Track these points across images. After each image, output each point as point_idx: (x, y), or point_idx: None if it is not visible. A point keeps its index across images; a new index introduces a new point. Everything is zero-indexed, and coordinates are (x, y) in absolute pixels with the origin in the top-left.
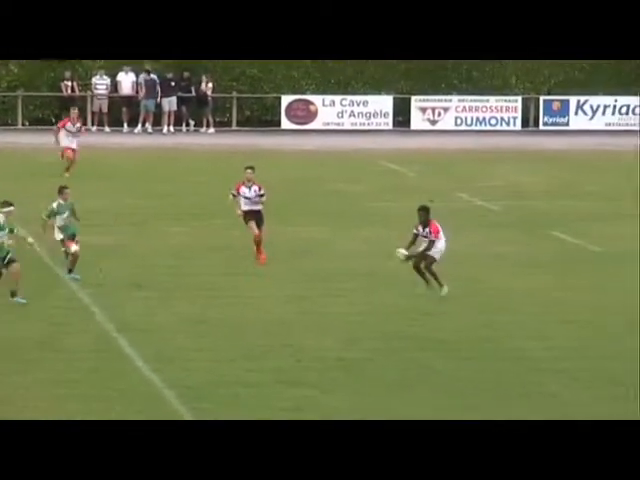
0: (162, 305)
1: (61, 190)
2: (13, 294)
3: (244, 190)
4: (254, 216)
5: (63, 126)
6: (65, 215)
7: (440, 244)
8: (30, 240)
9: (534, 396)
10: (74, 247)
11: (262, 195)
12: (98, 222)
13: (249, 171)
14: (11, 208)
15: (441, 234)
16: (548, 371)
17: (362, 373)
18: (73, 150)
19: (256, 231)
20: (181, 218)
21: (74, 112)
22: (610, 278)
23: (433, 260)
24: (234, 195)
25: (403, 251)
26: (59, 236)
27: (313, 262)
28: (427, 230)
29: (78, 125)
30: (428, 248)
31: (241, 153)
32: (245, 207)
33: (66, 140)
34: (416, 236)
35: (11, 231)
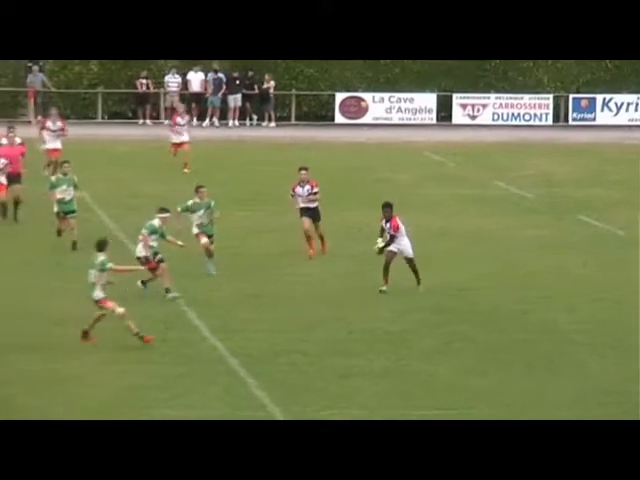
0: (226, 282)
1: (197, 189)
2: (167, 290)
3: (299, 190)
4: (308, 213)
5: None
6: (200, 213)
7: (404, 241)
8: (180, 243)
9: (563, 365)
10: (204, 239)
11: (315, 193)
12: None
13: (303, 172)
14: (167, 214)
15: (402, 230)
16: (578, 344)
17: (407, 343)
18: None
19: (306, 225)
20: (243, 203)
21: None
22: (634, 259)
23: (410, 258)
24: (292, 195)
25: (380, 241)
26: (195, 230)
27: (363, 243)
28: (388, 225)
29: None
30: (389, 243)
31: (299, 145)
32: (301, 204)
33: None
34: (383, 229)
35: (162, 236)
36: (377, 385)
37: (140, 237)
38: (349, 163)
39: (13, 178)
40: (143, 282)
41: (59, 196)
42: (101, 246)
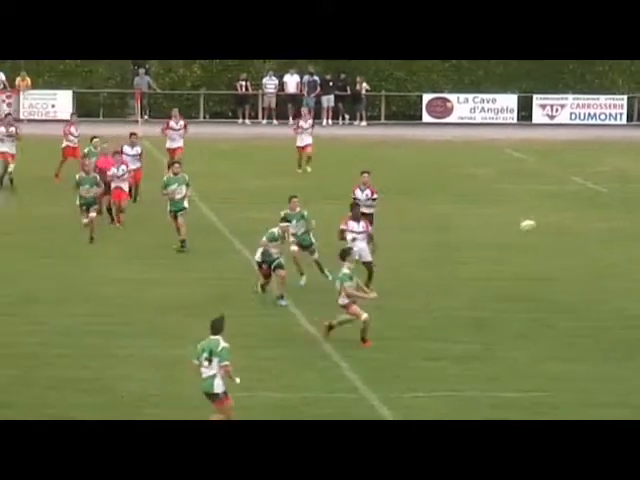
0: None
1: (290, 199)
2: (279, 297)
3: (358, 193)
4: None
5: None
6: (294, 223)
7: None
8: (293, 248)
9: (639, 351)
10: (293, 247)
11: (374, 199)
12: (265, 200)
13: (365, 175)
14: (287, 224)
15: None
16: None
17: (488, 329)
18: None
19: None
20: (332, 197)
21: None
22: None
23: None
24: (354, 198)
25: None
26: (293, 247)
27: (446, 234)
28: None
29: (181, 123)
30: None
31: (388, 143)
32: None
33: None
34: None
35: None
36: (462, 368)
37: (260, 243)
38: (435, 159)
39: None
40: (262, 287)
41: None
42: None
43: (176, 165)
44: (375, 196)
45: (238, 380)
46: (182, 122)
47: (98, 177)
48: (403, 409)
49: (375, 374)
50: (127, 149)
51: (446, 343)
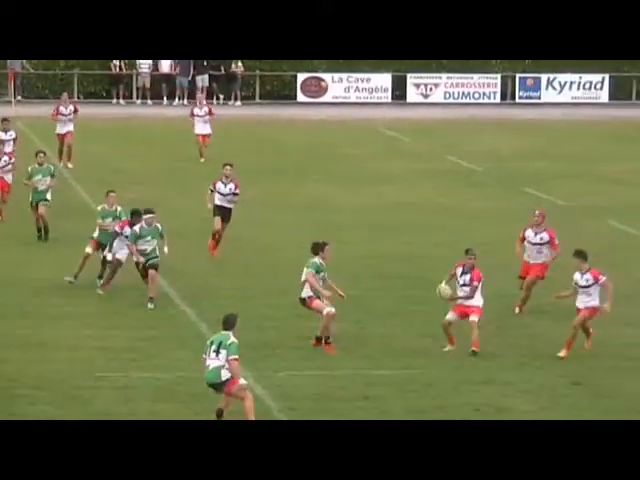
0: (197, 250)
1: (107, 193)
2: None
3: (220, 186)
4: (222, 212)
5: (192, 114)
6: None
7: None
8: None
9: (508, 327)
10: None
11: (236, 194)
12: (138, 180)
13: (228, 167)
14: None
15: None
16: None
17: (362, 307)
18: (208, 136)
19: (218, 227)
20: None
21: (200, 97)
22: (573, 226)
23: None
24: (212, 190)
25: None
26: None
27: (324, 214)
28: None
29: (206, 109)
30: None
31: (264, 122)
32: (217, 202)
33: (200, 128)
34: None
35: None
36: (337, 346)
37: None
38: (309, 139)
39: None
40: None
41: (35, 185)
42: None
43: (40, 155)
44: (237, 191)
45: (244, 381)
46: (72, 107)
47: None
48: (276, 387)
49: (249, 353)
50: (1, 134)
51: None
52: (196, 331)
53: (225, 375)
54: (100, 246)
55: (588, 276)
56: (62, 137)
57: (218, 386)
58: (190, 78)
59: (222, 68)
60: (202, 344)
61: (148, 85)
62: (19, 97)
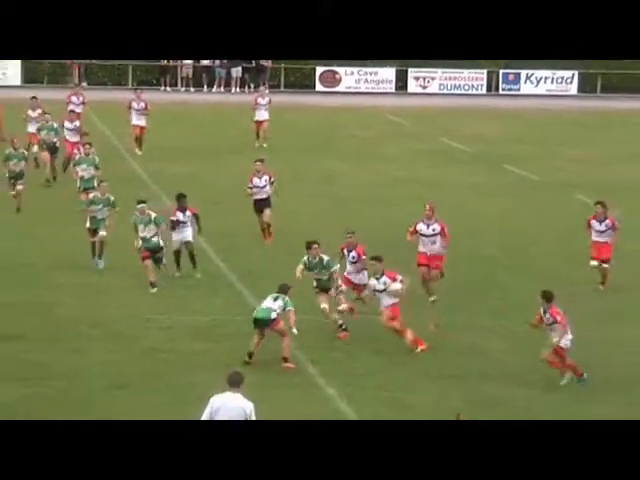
0: (230, 216)
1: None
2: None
3: (256, 180)
4: (262, 204)
5: (256, 103)
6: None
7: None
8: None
9: (485, 286)
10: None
11: (272, 183)
12: (180, 155)
13: (258, 163)
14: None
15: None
16: (501, 267)
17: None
18: (266, 121)
19: (265, 219)
20: (240, 151)
21: (262, 88)
22: (547, 199)
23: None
24: (250, 188)
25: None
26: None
27: (335, 186)
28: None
29: (267, 99)
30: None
31: (287, 108)
32: (256, 197)
33: (260, 115)
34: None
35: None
36: None
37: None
38: (326, 123)
39: None
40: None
41: (81, 174)
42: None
43: (87, 147)
44: (273, 179)
45: (295, 331)
46: (143, 103)
47: (26, 152)
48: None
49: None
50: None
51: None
52: (228, 281)
53: (274, 315)
54: (94, 232)
55: (548, 315)
56: (135, 128)
57: (266, 322)
58: (226, 69)
59: (253, 61)
60: (232, 293)
61: (191, 75)
62: (84, 84)
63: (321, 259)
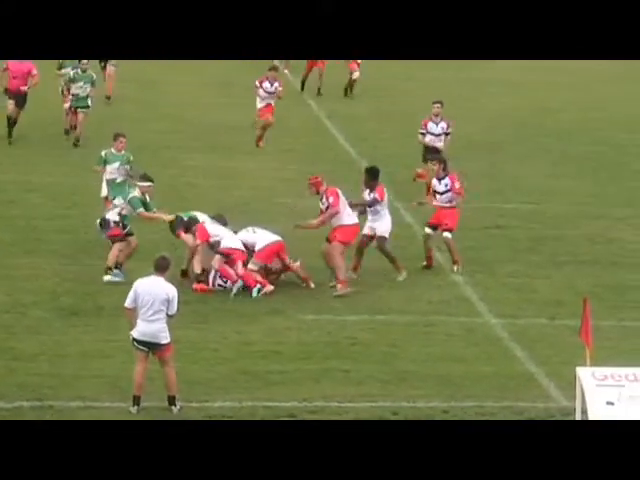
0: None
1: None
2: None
3: (431, 126)
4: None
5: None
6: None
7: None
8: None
9: (623, 172)
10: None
11: (447, 133)
12: None
13: (437, 105)
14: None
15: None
16: (634, 155)
17: (498, 150)
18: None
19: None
20: None
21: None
22: None
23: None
24: (422, 134)
25: None
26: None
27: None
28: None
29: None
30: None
31: None
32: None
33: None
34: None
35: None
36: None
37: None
38: None
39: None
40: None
41: (74, 92)
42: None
43: (84, 61)
44: (450, 130)
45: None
46: (276, 83)
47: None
48: None
49: (398, 186)
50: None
51: (462, 161)
52: (358, 167)
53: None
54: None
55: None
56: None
57: None
58: None
59: None
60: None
61: None
62: None
63: None
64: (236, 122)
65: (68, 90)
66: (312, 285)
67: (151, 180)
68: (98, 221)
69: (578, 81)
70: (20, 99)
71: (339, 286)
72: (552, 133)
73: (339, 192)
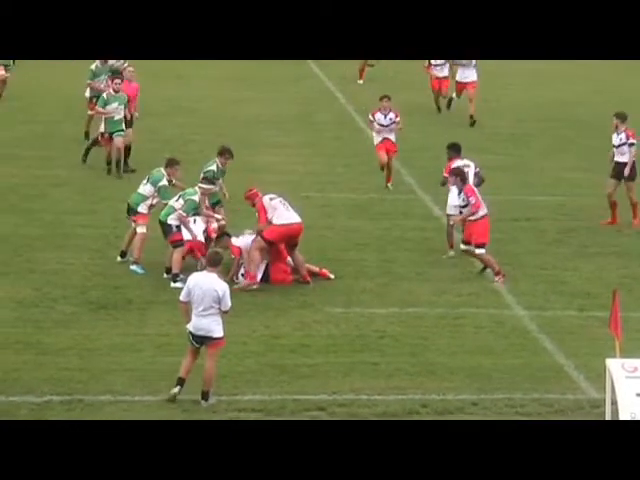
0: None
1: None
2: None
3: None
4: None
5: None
6: None
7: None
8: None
9: None
10: None
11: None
12: None
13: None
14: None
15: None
16: None
17: (523, 144)
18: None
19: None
20: None
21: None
22: None
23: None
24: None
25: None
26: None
27: None
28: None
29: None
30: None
31: None
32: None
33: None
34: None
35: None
36: (498, 176)
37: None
38: None
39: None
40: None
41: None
42: None
43: (117, 81)
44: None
45: None
46: (392, 114)
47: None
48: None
49: (426, 178)
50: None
51: (488, 154)
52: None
53: None
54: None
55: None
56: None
57: None
58: None
59: None
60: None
61: None
62: None
63: None
64: (259, 116)
65: (94, 98)
66: (310, 281)
67: (213, 183)
68: (159, 221)
69: (603, 73)
70: None
71: (245, 281)
72: (576, 126)
73: (265, 203)
